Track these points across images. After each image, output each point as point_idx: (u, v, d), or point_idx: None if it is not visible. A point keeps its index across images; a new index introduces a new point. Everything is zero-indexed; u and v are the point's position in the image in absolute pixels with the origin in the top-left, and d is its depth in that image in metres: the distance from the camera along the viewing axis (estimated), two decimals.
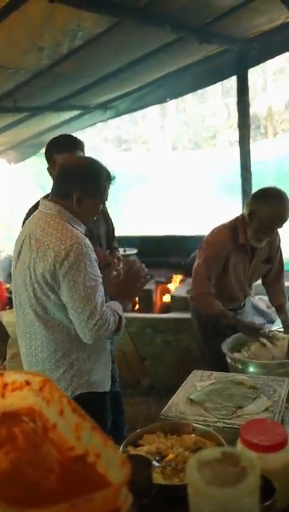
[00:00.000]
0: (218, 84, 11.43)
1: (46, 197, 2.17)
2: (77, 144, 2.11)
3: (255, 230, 2.27)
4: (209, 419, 1.38)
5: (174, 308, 3.66)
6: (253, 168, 4.06)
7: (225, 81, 5.22)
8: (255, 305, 3.39)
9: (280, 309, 2.55)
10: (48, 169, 2.14)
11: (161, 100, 4.80)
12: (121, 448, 1.21)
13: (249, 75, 4.00)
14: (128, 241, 4.34)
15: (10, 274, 1.93)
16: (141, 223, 5.57)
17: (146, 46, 3.28)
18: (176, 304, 3.66)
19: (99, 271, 1.65)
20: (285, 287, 2.63)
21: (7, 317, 3.33)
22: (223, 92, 13.08)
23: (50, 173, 2.13)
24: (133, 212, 5.69)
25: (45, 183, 2.24)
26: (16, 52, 2.78)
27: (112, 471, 0.67)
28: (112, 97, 4.34)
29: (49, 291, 1.60)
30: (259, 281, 2.66)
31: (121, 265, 2.13)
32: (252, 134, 4.32)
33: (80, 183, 1.65)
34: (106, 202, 1.83)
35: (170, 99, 4.87)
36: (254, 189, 4.06)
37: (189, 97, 11.76)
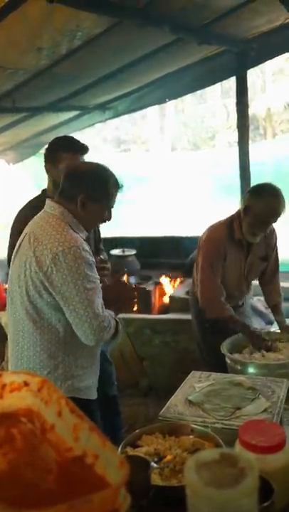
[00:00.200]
0: (218, 85, 11.48)
1: (44, 192, 2.18)
2: (84, 149, 2.12)
3: (250, 224, 2.29)
4: (208, 420, 1.38)
5: (173, 309, 3.66)
6: (251, 169, 4.07)
7: (224, 82, 5.24)
8: (254, 306, 3.39)
9: (275, 310, 2.57)
10: (46, 167, 2.13)
11: (160, 101, 4.80)
12: (119, 449, 1.21)
13: (248, 75, 4.01)
14: (127, 242, 4.34)
15: (8, 274, 1.93)
16: (140, 224, 5.58)
17: (146, 47, 3.28)
18: (175, 304, 3.65)
19: (97, 274, 1.65)
20: (281, 287, 2.63)
21: (6, 318, 3.32)
22: (222, 93, 13.11)
23: (48, 171, 2.13)
24: (132, 213, 5.70)
25: (44, 184, 2.24)
26: (14, 53, 2.78)
27: (110, 472, 0.67)
28: (111, 97, 4.34)
29: (43, 289, 1.60)
30: (255, 283, 2.66)
31: (109, 264, 2.15)
32: (251, 134, 4.33)
33: (85, 187, 1.65)
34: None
35: (169, 100, 4.88)
36: None
37: (188, 97, 11.80)
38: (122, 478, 0.63)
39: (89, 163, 1.85)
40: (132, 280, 4.06)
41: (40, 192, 2.23)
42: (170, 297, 3.77)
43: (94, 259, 1.65)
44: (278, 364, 1.99)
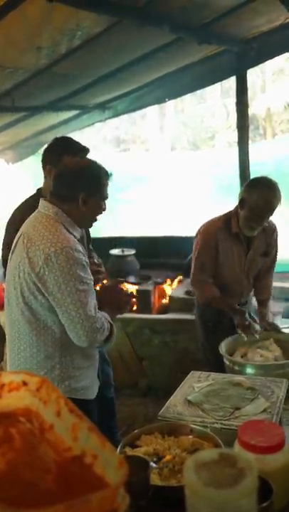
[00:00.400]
0: (217, 85, 11.47)
1: (39, 191, 2.17)
2: (86, 151, 2.13)
3: (246, 217, 2.30)
4: (207, 421, 1.38)
5: (172, 309, 3.66)
6: (251, 169, 4.07)
7: (224, 82, 5.23)
8: (253, 306, 3.39)
9: (262, 303, 2.59)
10: (46, 167, 2.12)
11: (159, 100, 4.80)
12: (118, 449, 1.21)
13: (248, 75, 4.01)
14: (126, 241, 4.34)
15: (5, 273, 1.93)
16: (139, 224, 5.57)
17: (145, 46, 3.28)
18: (174, 304, 3.65)
19: (91, 275, 1.64)
20: (282, 287, 2.64)
21: (4, 318, 3.31)
22: (222, 93, 13.11)
23: (48, 172, 2.11)
24: (131, 213, 5.69)
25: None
26: (14, 52, 2.77)
27: (109, 472, 0.66)
28: (110, 97, 4.34)
29: (36, 291, 1.59)
30: None
31: (103, 268, 2.15)
32: (251, 134, 4.33)
33: (84, 185, 1.66)
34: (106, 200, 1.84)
35: (169, 100, 4.87)
36: None
37: (188, 97, 11.79)
38: (121, 478, 0.63)
39: (80, 161, 1.82)
40: (132, 280, 4.06)
41: (35, 191, 2.23)
42: (169, 297, 3.77)
43: (87, 260, 1.64)
44: (276, 364, 1.99)
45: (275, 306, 3.50)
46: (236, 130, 4.23)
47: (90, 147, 2.21)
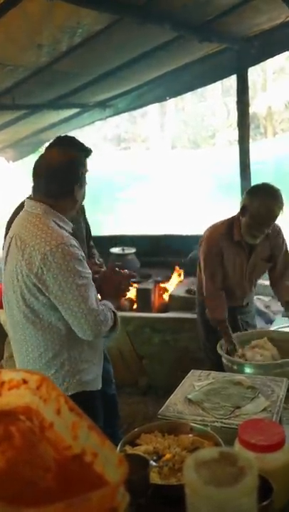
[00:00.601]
0: (218, 84, 11.44)
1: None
2: (89, 152, 2.12)
3: (247, 225, 2.28)
4: (207, 419, 1.38)
5: (173, 308, 3.66)
6: (252, 168, 4.06)
7: (224, 80, 5.23)
8: (254, 305, 3.39)
9: (287, 305, 2.53)
10: None
11: (160, 99, 4.79)
12: (118, 447, 1.21)
13: (249, 74, 4.00)
14: (127, 240, 4.34)
15: None
16: (139, 222, 5.57)
17: (146, 44, 3.27)
18: (175, 303, 3.65)
19: (88, 268, 1.64)
20: None
21: (4, 316, 3.31)
22: (222, 91, 13.09)
23: None
24: (132, 212, 5.70)
25: None
26: (14, 49, 2.76)
27: (109, 470, 0.66)
28: (111, 95, 4.33)
29: (37, 292, 1.58)
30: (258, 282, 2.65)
31: (104, 268, 2.15)
32: (251, 133, 4.32)
33: (75, 178, 1.65)
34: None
35: (169, 98, 4.86)
36: None
37: (189, 95, 11.77)
38: (121, 477, 0.63)
39: (61, 154, 1.74)
40: (132, 278, 4.05)
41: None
42: (170, 296, 3.76)
43: (83, 254, 1.63)
44: (274, 364, 1.99)
45: (275, 305, 3.51)
46: (237, 129, 4.22)
47: (91, 145, 2.20)
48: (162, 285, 4.03)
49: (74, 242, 1.60)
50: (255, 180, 4.07)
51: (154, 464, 1.15)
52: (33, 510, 0.58)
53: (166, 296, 3.91)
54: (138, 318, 3.59)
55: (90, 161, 2.19)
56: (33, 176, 1.68)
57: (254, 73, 11.79)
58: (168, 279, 4.09)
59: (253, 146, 4.21)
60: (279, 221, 2.47)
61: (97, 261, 2.22)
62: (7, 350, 3.22)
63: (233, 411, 1.42)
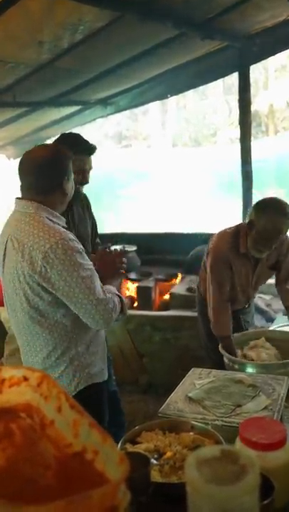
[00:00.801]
0: (220, 81, 11.40)
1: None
2: (93, 149, 2.14)
3: (254, 240, 2.24)
4: (208, 417, 1.37)
5: (173, 306, 3.65)
6: (253, 166, 4.05)
7: (226, 78, 5.21)
8: (255, 304, 3.39)
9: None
10: None
11: (161, 96, 4.78)
12: (119, 445, 1.20)
13: (251, 72, 3.99)
14: (127, 238, 4.33)
15: None
16: (140, 220, 5.57)
17: (148, 42, 3.27)
18: (176, 301, 3.65)
19: (89, 260, 1.64)
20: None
21: (5, 313, 3.30)
22: (224, 89, 13.05)
23: None
24: (133, 209, 5.69)
25: None
26: (15, 46, 2.76)
27: (110, 468, 0.66)
28: (112, 92, 4.33)
29: (42, 291, 1.58)
30: None
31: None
32: (253, 131, 4.30)
33: (63, 171, 1.65)
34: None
35: (171, 96, 4.86)
36: (255, 187, 4.07)
37: (190, 93, 11.73)
38: (122, 475, 0.63)
39: (42, 150, 1.72)
40: (133, 276, 4.05)
41: None
42: (170, 294, 3.76)
43: (82, 246, 1.63)
44: (277, 364, 1.98)
45: (276, 303, 3.51)
46: (238, 127, 4.21)
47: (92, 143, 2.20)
48: (163, 283, 4.03)
49: (71, 236, 1.60)
50: (257, 178, 4.07)
51: (154, 462, 1.15)
52: (33, 508, 0.58)
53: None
54: (139, 316, 3.59)
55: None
56: (20, 175, 1.67)
57: (256, 71, 11.74)
58: (169, 277, 4.09)
59: (255, 144, 4.19)
60: None
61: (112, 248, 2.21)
62: (7, 347, 3.23)
63: (233, 409, 1.41)
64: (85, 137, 2.22)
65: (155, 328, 3.52)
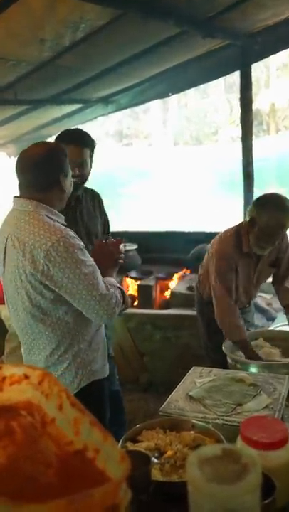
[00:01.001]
0: (221, 80, 11.38)
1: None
2: (85, 141, 2.11)
3: (256, 237, 2.22)
4: (209, 416, 1.37)
5: (174, 305, 3.65)
6: (254, 165, 4.05)
7: (227, 76, 5.20)
8: (256, 303, 3.38)
9: (288, 309, 2.51)
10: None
11: (163, 95, 4.77)
12: (119, 444, 1.20)
13: (252, 70, 3.98)
14: (128, 236, 4.32)
15: None
16: (141, 218, 5.57)
17: (149, 40, 3.26)
18: (176, 300, 3.64)
19: (90, 256, 1.64)
20: None
21: (6, 311, 3.30)
22: (225, 88, 13.04)
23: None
24: (133, 208, 5.69)
25: None
26: (17, 44, 2.75)
27: (111, 466, 0.66)
28: (113, 90, 4.32)
29: (44, 289, 1.58)
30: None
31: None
32: (254, 130, 4.29)
33: (59, 167, 1.64)
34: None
35: (172, 94, 4.85)
36: (256, 185, 4.07)
37: (191, 92, 11.72)
38: (123, 473, 0.62)
39: (37, 147, 1.70)
40: (134, 275, 4.05)
41: None
42: (171, 292, 3.76)
43: (82, 243, 1.62)
44: (280, 364, 1.97)
45: (277, 303, 3.50)
46: (240, 125, 4.20)
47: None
48: (164, 281, 4.02)
49: (72, 233, 1.60)
50: (258, 177, 4.06)
51: (155, 460, 1.15)
52: (34, 506, 0.58)
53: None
54: (139, 314, 3.58)
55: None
56: (18, 174, 1.67)
57: (257, 70, 11.73)
58: (170, 276, 4.08)
59: (256, 143, 4.19)
60: None
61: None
62: (8, 345, 3.23)
63: (234, 408, 1.41)
64: None
65: (156, 326, 3.52)
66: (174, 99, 12.28)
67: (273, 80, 12.78)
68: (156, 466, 1.14)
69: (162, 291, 4.04)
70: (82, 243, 1.61)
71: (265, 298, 3.77)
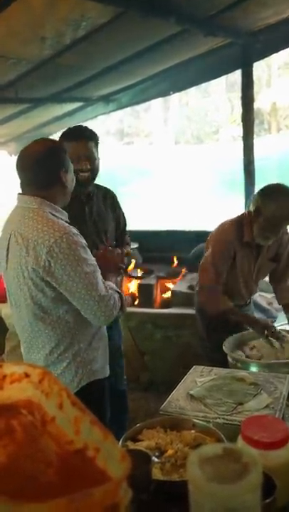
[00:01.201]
0: (222, 79, 11.36)
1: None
2: (88, 135, 2.12)
3: (261, 227, 2.22)
4: (209, 415, 1.37)
5: (175, 304, 3.65)
6: (255, 164, 4.04)
7: (229, 75, 5.19)
8: (256, 302, 3.38)
9: (287, 308, 2.50)
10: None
11: (164, 93, 4.77)
12: (120, 442, 1.20)
13: (254, 69, 3.97)
14: (129, 235, 4.32)
15: None
16: (142, 217, 5.56)
17: (150, 38, 3.25)
18: (177, 299, 3.64)
19: (91, 255, 1.64)
20: None
21: (6, 310, 3.31)
22: (226, 87, 13.03)
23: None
24: (134, 206, 5.68)
25: None
26: (17, 42, 2.75)
27: (111, 465, 0.66)
28: (114, 89, 4.31)
29: (45, 286, 1.58)
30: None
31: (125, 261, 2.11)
32: (255, 129, 4.29)
33: (59, 163, 1.64)
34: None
35: (173, 93, 4.84)
36: (257, 185, 4.06)
37: (193, 91, 11.71)
38: (124, 472, 0.62)
39: (36, 145, 1.70)
40: (134, 274, 4.04)
41: None
42: (172, 291, 3.75)
43: (85, 242, 1.62)
44: (281, 363, 1.96)
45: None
46: (241, 124, 4.19)
47: None
48: (164, 281, 4.02)
49: (75, 230, 1.60)
50: (259, 176, 4.05)
51: (156, 459, 1.15)
52: (34, 505, 0.58)
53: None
54: (140, 313, 3.58)
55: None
56: (19, 172, 1.67)
57: (259, 69, 11.71)
58: (175, 275, 4.07)
59: (257, 142, 4.18)
60: None
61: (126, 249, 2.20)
62: (8, 344, 3.23)
63: (235, 407, 1.41)
64: None
65: (156, 325, 3.52)
66: (175, 97, 12.27)
67: (275, 78, 12.76)
68: (157, 465, 1.14)
69: (163, 290, 4.04)
70: (84, 241, 1.61)
71: (265, 297, 3.76)
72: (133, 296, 3.90)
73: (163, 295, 3.99)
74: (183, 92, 10.48)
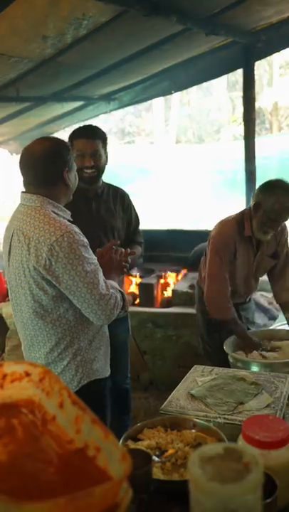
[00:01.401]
0: (223, 78, 11.36)
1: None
2: (95, 133, 2.15)
3: (260, 222, 2.24)
4: (210, 415, 1.37)
5: (175, 303, 3.65)
6: (257, 163, 4.03)
7: (230, 75, 5.19)
8: (257, 301, 3.38)
9: (285, 307, 2.51)
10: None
11: (165, 92, 4.76)
12: (120, 442, 1.20)
13: (255, 68, 3.96)
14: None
15: None
16: (143, 217, 5.55)
17: (152, 37, 3.24)
18: (178, 298, 3.64)
19: (93, 254, 1.64)
20: None
21: (7, 309, 3.31)
22: (228, 86, 13.01)
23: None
24: (135, 205, 5.67)
25: None
26: (19, 41, 2.74)
27: (112, 465, 0.65)
28: (115, 88, 4.30)
29: (46, 285, 1.58)
30: (261, 278, 2.63)
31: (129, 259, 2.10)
32: (256, 128, 4.29)
33: (62, 161, 1.63)
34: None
35: (175, 92, 4.83)
36: (258, 184, 4.05)
37: (194, 90, 11.69)
38: (124, 472, 0.62)
39: (42, 142, 1.69)
40: (135, 273, 4.04)
41: None
42: (173, 291, 3.75)
43: (87, 240, 1.62)
44: (282, 363, 1.96)
45: None
46: (242, 124, 4.19)
47: None
48: (165, 280, 4.01)
49: (76, 229, 1.60)
50: (260, 175, 4.04)
51: (156, 459, 1.15)
52: (34, 504, 0.58)
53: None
54: (140, 312, 3.58)
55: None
56: (22, 171, 1.67)
57: (260, 68, 11.71)
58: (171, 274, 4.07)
59: (259, 142, 4.17)
60: None
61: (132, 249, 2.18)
62: (9, 343, 3.23)
63: (236, 407, 1.41)
64: None
65: (157, 325, 3.52)
66: (176, 97, 12.25)
67: (276, 78, 12.74)
68: (157, 464, 1.14)
69: (163, 289, 4.04)
70: (86, 240, 1.61)
71: (266, 297, 3.76)
72: (134, 296, 3.90)
73: (164, 292, 3.99)
74: (184, 91, 10.48)
